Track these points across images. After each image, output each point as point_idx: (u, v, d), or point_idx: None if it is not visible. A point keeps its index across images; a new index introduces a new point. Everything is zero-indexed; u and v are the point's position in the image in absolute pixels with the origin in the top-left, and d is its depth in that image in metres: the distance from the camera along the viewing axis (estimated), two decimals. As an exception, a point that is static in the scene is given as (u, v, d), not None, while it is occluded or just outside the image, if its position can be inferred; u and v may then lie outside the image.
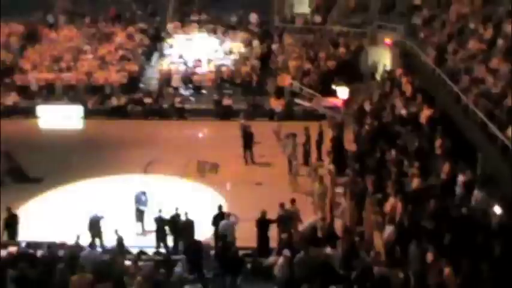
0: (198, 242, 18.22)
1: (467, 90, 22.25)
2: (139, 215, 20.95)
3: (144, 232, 20.83)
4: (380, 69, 34.07)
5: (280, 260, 16.16)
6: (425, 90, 26.60)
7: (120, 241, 18.13)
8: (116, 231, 18.26)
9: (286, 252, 16.27)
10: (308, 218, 20.17)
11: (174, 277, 16.09)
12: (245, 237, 18.99)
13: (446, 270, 13.93)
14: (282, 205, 19.62)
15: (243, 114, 30.07)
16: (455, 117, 22.56)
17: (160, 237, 19.52)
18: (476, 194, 17.32)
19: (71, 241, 17.76)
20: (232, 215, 19.13)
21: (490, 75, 22.25)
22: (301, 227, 19.48)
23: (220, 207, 19.58)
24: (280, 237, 18.68)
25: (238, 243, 18.55)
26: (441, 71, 24.96)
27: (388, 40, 34.52)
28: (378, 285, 14.03)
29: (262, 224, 19.05)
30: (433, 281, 13.99)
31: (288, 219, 19.17)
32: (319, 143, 26.71)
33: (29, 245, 18.48)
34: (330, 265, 15.41)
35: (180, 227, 19.22)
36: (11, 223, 19.47)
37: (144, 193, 21.13)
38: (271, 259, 17.21)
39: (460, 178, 18.39)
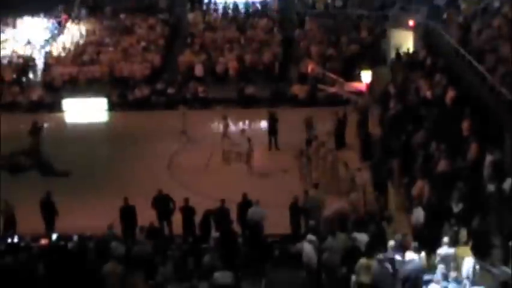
0: (231, 230, 18.30)
1: (492, 69, 21.99)
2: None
3: None
4: (403, 52, 33.81)
5: (307, 246, 16.14)
6: (450, 71, 26.34)
7: (149, 232, 18.18)
8: (141, 228, 18.30)
9: (311, 237, 16.25)
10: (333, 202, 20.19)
11: (204, 265, 16.14)
12: (272, 224, 19.01)
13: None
14: (306, 192, 19.66)
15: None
16: (481, 98, 22.32)
17: (188, 226, 19.56)
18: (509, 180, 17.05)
19: (101, 232, 17.90)
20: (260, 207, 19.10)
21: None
22: (326, 212, 19.45)
23: (245, 196, 19.57)
24: (307, 224, 18.68)
25: (266, 230, 18.59)
26: (466, 52, 24.70)
27: (411, 22, 34.22)
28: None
29: (294, 209, 19.08)
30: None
31: (313, 205, 19.17)
32: (343, 127, 26.69)
33: (60, 237, 18.70)
34: (359, 250, 15.33)
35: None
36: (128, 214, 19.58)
37: None
38: (299, 245, 17.18)
39: (488, 159, 18.20)
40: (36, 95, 34.52)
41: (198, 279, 15.01)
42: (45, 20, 41.57)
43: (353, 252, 15.18)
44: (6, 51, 37.74)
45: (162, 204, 19.96)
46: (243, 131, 26.40)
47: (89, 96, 34.33)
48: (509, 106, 19.54)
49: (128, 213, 19.41)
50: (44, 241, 17.91)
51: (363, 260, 14.18)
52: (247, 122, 30.79)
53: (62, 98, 34.14)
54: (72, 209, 21.08)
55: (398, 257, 14.05)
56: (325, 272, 15.54)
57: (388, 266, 13.82)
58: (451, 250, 14.19)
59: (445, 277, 13.22)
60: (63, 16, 42.10)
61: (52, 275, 15.45)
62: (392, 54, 34.58)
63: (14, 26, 40.82)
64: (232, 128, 28.71)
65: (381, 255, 14.31)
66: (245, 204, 19.28)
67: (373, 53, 35.62)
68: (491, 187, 16.90)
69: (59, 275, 15.46)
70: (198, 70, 35.75)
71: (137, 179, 24.46)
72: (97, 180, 24.65)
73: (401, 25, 35.43)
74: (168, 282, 14.75)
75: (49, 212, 20.09)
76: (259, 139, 26.95)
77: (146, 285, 14.93)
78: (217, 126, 29.28)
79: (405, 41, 34.71)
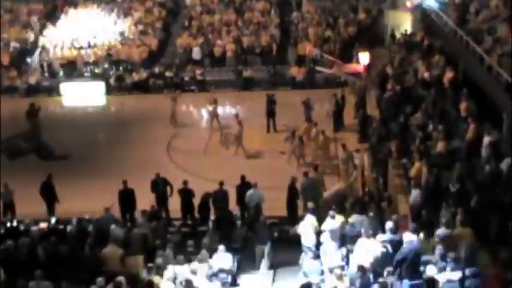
0: (230, 212, 18.36)
1: (490, 50, 21.95)
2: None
3: None
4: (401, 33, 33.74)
5: (305, 227, 16.20)
6: (448, 53, 26.31)
7: (151, 216, 18.21)
8: (143, 211, 18.31)
9: (310, 218, 16.30)
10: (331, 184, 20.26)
11: (203, 248, 16.21)
12: (271, 206, 19.05)
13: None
14: (305, 174, 19.67)
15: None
16: (479, 79, 22.31)
17: (187, 209, 19.59)
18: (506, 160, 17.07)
19: (99, 215, 17.94)
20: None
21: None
22: (326, 194, 19.51)
23: (243, 178, 19.59)
24: (305, 206, 18.73)
25: (264, 212, 18.64)
26: (463, 32, 24.65)
27: (408, 3, 34.13)
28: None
29: (292, 191, 19.11)
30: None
31: (312, 187, 19.20)
32: (342, 109, 26.73)
33: (59, 220, 18.76)
34: (358, 231, 15.39)
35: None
36: (127, 197, 19.56)
37: None
38: (298, 227, 17.26)
39: (486, 139, 18.22)
40: (34, 79, 34.46)
41: (198, 262, 15.07)
42: (42, 3, 41.31)
43: (352, 233, 15.25)
44: (4, 35, 37.60)
45: (160, 187, 19.97)
46: (237, 115, 26.06)
47: (87, 80, 34.32)
48: (507, 87, 19.52)
49: (126, 196, 19.43)
50: (43, 225, 17.95)
51: (362, 242, 14.24)
52: (241, 104, 30.70)
53: (60, 82, 34.13)
54: (71, 192, 21.13)
55: (396, 238, 14.10)
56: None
57: (388, 247, 13.88)
58: (449, 231, 14.25)
59: (443, 257, 13.30)
60: (60, -1, 41.91)
61: (51, 259, 15.50)
62: (390, 36, 34.53)
63: (12, 10, 40.61)
64: (227, 111, 28.81)
65: (380, 237, 14.39)
66: (244, 186, 19.32)
67: (370, 34, 35.55)
68: (489, 167, 16.93)
69: (58, 258, 15.52)
70: (196, 53, 35.68)
71: (136, 162, 24.49)
72: (96, 163, 24.70)
73: (399, 6, 35.35)
74: (168, 264, 14.80)
75: (50, 195, 20.14)
76: (258, 121, 26.99)
77: (145, 268, 14.99)
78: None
79: (403, 22, 34.64)
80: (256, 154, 24.82)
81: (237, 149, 24.83)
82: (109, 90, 33.72)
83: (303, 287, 12.74)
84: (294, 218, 18.92)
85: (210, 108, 27.60)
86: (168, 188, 19.90)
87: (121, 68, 35.23)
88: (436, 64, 25.79)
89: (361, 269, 13.20)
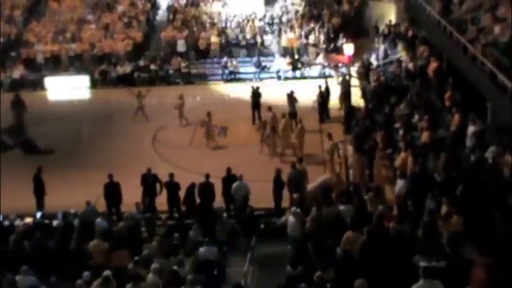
0: (209, 205, 18.29)
1: (474, 40, 22.02)
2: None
3: None
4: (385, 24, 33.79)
5: (291, 218, 16.20)
6: (432, 43, 26.38)
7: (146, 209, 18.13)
8: (137, 204, 18.26)
9: (295, 210, 16.29)
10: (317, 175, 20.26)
11: (189, 241, 16.19)
12: (257, 198, 19.03)
13: (454, 218, 14.00)
14: (293, 165, 19.64)
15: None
16: (463, 69, 22.38)
17: (173, 202, 19.53)
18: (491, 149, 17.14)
19: (83, 208, 17.85)
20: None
21: (497, 24, 22.00)
22: (310, 185, 19.50)
23: (229, 170, 19.55)
24: (291, 197, 18.72)
25: (250, 203, 18.62)
26: (447, 23, 24.71)
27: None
28: (391, 241, 14.03)
29: (278, 183, 19.08)
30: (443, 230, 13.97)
31: (298, 179, 19.19)
32: (327, 100, 26.75)
33: (45, 215, 18.66)
34: (343, 221, 15.40)
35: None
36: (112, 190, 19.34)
37: None
38: (284, 219, 17.26)
39: (470, 129, 18.31)
40: (17, 73, 34.24)
41: (185, 255, 15.05)
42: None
43: (338, 224, 15.23)
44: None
45: (149, 181, 19.85)
46: (209, 113, 25.76)
47: (71, 74, 34.17)
48: (491, 76, 19.61)
49: (112, 190, 19.32)
50: (28, 219, 17.86)
51: (349, 233, 14.20)
52: (225, 97, 30.64)
53: (44, 76, 33.96)
54: (56, 186, 20.96)
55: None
56: (311, 244, 15.60)
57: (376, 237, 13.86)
58: (434, 220, 14.28)
59: (429, 247, 13.32)
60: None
61: (37, 253, 15.43)
62: (374, 27, 34.57)
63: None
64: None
65: (367, 228, 14.37)
66: (229, 178, 19.27)
67: (355, 25, 35.60)
68: (473, 157, 17.01)
69: (45, 253, 15.46)
70: (181, 46, 35.60)
71: (121, 155, 24.40)
72: (81, 157, 24.56)
73: (383, -3, 35.41)
74: (154, 258, 14.76)
75: (39, 188, 19.98)
76: (243, 113, 26.96)
77: (132, 261, 14.93)
78: (200, 101, 29.07)
79: (387, 13, 34.67)
80: (242, 146, 24.77)
81: (208, 141, 24.79)
82: (93, 84, 33.61)
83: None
84: (280, 209, 18.93)
85: (177, 103, 27.59)
86: (158, 185, 19.73)
87: (105, 62, 35.06)
88: (421, 55, 25.87)
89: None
